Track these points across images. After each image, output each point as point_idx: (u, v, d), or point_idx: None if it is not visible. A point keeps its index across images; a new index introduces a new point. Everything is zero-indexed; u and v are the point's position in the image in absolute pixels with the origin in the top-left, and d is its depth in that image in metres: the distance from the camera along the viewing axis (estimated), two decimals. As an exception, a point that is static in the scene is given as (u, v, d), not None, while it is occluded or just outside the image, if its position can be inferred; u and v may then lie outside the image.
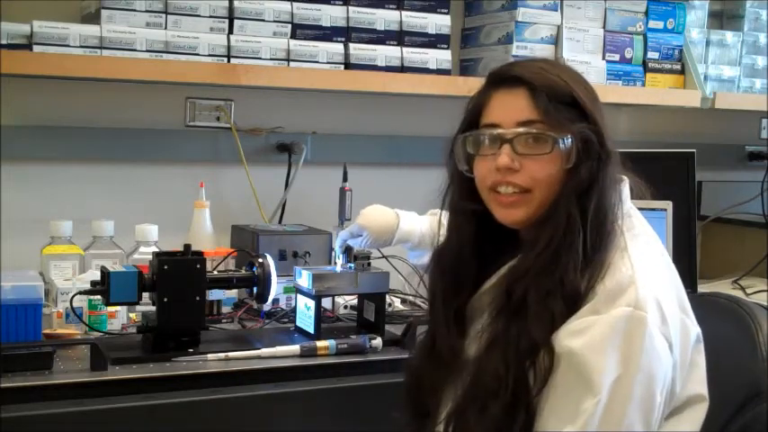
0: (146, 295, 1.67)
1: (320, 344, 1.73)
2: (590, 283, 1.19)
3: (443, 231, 1.40)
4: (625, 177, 1.31)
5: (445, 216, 1.41)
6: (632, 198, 1.32)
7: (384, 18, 2.26)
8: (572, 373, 1.15)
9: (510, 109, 1.26)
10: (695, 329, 1.26)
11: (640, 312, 1.15)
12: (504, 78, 1.29)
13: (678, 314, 1.23)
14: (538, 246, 1.23)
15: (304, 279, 1.82)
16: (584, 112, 1.25)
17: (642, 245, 1.25)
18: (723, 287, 2.47)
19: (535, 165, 1.25)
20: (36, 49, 1.91)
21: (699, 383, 1.26)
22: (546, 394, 1.18)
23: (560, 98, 1.24)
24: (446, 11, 2.33)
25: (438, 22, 2.31)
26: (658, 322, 1.17)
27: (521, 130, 1.25)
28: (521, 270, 1.25)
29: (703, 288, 2.32)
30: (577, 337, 1.16)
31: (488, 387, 1.20)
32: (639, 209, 1.33)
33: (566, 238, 1.21)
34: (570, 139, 1.23)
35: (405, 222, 1.85)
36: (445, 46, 2.32)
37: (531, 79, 1.25)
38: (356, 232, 1.86)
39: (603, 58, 2.50)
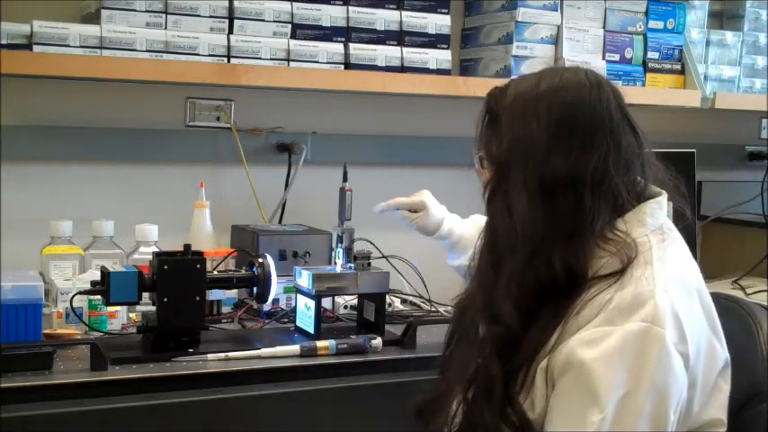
0: (146, 295, 1.67)
1: (320, 344, 1.73)
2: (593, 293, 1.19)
3: None
4: (664, 192, 1.29)
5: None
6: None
7: (384, 18, 2.25)
8: (580, 384, 1.14)
9: None
10: (724, 355, 1.25)
11: (657, 328, 1.13)
12: None
13: (707, 335, 1.22)
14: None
15: (304, 279, 1.82)
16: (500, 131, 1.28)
17: (671, 262, 1.22)
18: (723, 287, 2.47)
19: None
20: (36, 49, 1.91)
21: (719, 409, 1.24)
22: (555, 399, 1.17)
23: (491, 118, 1.30)
24: (446, 11, 2.33)
25: (438, 22, 2.31)
26: (676, 339, 1.15)
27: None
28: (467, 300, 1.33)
29: (703, 288, 2.32)
30: (589, 347, 1.14)
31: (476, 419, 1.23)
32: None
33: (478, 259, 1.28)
34: (478, 159, 1.32)
35: (448, 220, 1.91)
36: (445, 46, 2.32)
37: (487, 101, 1.32)
38: (418, 207, 1.91)
39: (603, 58, 2.50)
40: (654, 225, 1.25)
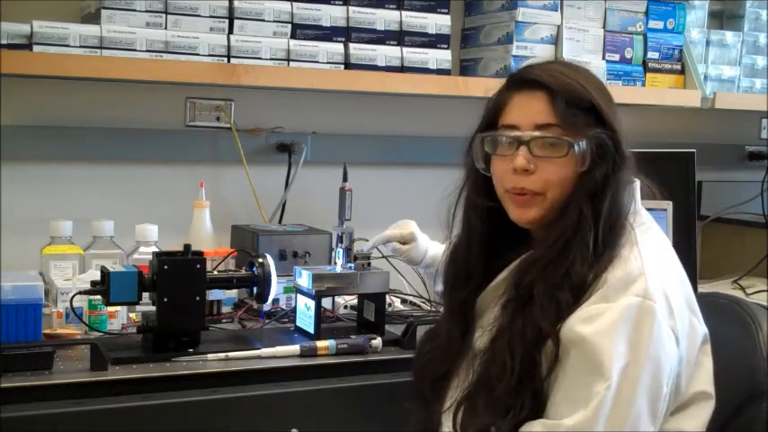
0: (146, 295, 1.67)
1: (320, 344, 1.73)
2: (597, 273, 1.21)
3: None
4: (636, 179, 1.33)
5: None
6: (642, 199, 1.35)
7: (384, 18, 2.25)
8: (583, 359, 1.17)
9: (528, 112, 1.29)
10: (702, 329, 1.29)
11: (649, 302, 1.18)
12: (523, 81, 1.31)
13: (686, 312, 1.25)
14: (548, 240, 1.27)
15: (304, 279, 1.82)
16: (600, 116, 1.28)
17: (651, 242, 1.28)
18: (723, 287, 2.47)
19: (550, 167, 1.28)
20: (36, 49, 1.91)
21: (705, 382, 1.28)
22: (557, 381, 1.19)
23: (578, 103, 1.27)
24: (446, 11, 2.33)
25: (438, 22, 2.31)
26: (666, 314, 1.19)
27: (537, 133, 1.28)
28: (529, 262, 1.28)
29: (703, 288, 2.31)
30: (588, 323, 1.18)
31: (495, 374, 1.22)
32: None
33: (576, 234, 1.24)
34: (585, 144, 1.26)
35: (432, 248, 1.92)
36: (445, 46, 2.32)
37: (551, 83, 1.28)
38: (407, 239, 1.92)
39: (603, 58, 2.50)
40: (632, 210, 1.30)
